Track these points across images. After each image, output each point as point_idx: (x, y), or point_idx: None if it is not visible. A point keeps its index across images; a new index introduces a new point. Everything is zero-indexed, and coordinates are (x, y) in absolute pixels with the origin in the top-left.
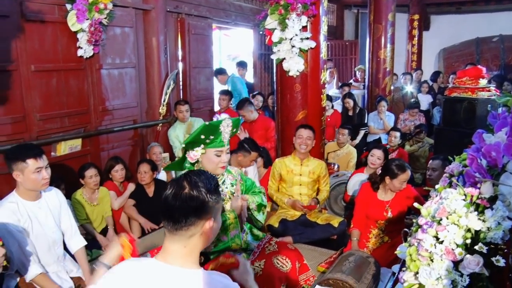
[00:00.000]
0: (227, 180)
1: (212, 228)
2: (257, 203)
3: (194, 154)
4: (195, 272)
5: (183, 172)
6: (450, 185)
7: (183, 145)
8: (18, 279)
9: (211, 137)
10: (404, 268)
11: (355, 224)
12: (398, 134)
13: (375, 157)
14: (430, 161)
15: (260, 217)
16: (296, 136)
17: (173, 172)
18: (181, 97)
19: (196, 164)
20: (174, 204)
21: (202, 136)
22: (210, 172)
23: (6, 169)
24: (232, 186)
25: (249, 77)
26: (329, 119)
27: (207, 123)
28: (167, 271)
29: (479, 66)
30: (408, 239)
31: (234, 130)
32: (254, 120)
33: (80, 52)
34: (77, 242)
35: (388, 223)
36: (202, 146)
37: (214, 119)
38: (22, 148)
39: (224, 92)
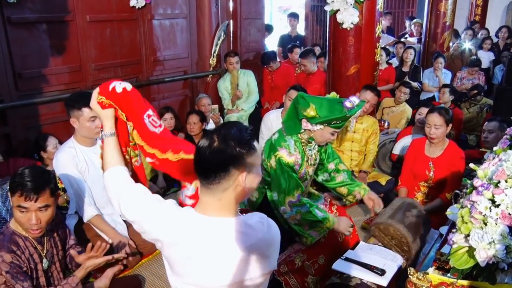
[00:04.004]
0: (316, 146)
1: (247, 181)
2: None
3: (311, 127)
4: (230, 220)
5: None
6: (510, 147)
7: (303, 115)
8: (77, 218)
9: (340, 122)
10: (453, 230)
11: (402, 182)
12: (447, 90)
13: (423, 115)
14: (486, 122)
15: (314, 233)
16: (361, 96)
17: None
18: (231, 48)
19: (306, 131)
20: (204, 158)
21: (334, 122)
22: (316, 142)
23: (65, 116)
24: (318, 152)
25: (300, 29)
26: (381, 74)
27: (346, 112)
28: (203, 221)
29: None
30: (461, 200)
31: None
32: (313, 72)
33: (132, 2)
34: None
35: (431, 187)
36: (326, 124)
37: (348, 104)
38: (79, 96)
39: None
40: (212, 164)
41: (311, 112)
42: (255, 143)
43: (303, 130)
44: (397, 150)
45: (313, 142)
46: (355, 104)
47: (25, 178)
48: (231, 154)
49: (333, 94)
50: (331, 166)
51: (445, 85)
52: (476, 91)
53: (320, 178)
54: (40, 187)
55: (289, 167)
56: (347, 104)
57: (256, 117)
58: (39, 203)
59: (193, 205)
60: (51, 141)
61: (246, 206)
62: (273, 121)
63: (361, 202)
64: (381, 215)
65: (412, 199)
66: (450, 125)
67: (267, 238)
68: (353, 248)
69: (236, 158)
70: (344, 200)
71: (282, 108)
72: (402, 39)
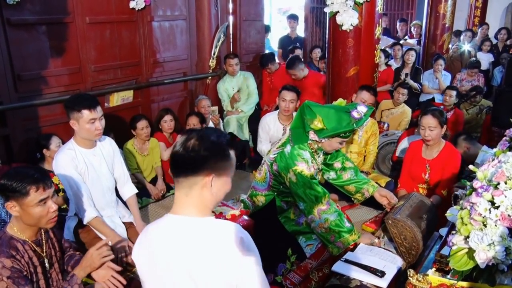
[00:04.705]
0: (321, 152)
1: (214, 185)
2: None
3: (319, 139)
4: (200, 220)
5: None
6: (509, 148)
7: (311, 128)
8: (77, 220)
9: (348, 133)
10: (453, 232)
11: (401, 184)
12: (454, 93)
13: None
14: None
15: (339, 244)
16: (358, 97)
17: (221, 125)
18: (231, 50)
19: (314, 141)
20: (178, 152)
21: (342, 134)
22: (325, 151)
23: (65, 118)
24: (325, 159)
25: (300, 31)
26: (379, 75)
27: (353, 123)
28: (175, 221)
29: None
30: (460, 202)
31: None
32: (305, 76)
33: (132, 4)
34: (129, 190)
35: (430, 188)
36: (334, 136)
37: (355, 114)
38: (79, 98)
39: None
40: (183, 158)
41: (318, 124)
42: (231, 152)
43: (310, 141)
44: (399, 151)
45: (320, 152)
46: (363, 113)
47: (29, 173)
48: (203, 154)
49: (339, 102)
50: (337, 165)
51: (451, 88)
52: (474, 92)
53: (326, 177)
54: (44, 174)
55: (310, 177)
56: (355, 114)
57: (256, 119)
58: (51, 189)
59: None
60: (55, 140)
61: (250, 208)
62: (269, 123)
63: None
64: (399, 210)
65: (428, 199)
66: (445, 126)
67: (229, 245)
68: (352, 250)
69: (206, 158)
70: (352, 198)
71: (278, 110)
72: (402, 41)
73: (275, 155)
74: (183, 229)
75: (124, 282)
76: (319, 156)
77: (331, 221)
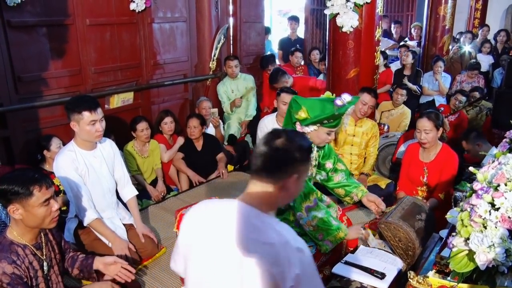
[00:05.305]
0: (315, 147)
1: (294, 185)
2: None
3: (305, 129)
4: (265, 216)
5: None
6: (510, 150)
7: (296, 119)
8: (77, 222)
9: (332, 121)
10: (453, 233)
11: (400, 187)
12: (464, 98)
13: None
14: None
15: (328, 242)
16: (359, 99)
17: (221, 127)
18: (231, 52)
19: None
20: (265, 149)
21: (325, 121)
22: (315, 144)
23: (65, 120)
24: (317, 152)
25: (300, 32)
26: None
27: (336, 110)
28: (243, 208)
29: None
30: (460, 203)
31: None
32: (292, 85)
33: (132, 6)
34: (129, 192)
35: (429, 191)
36: (318, 125)
37: (338, 102)
38: (79, 100)
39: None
40: (272, 157)
41: (302, 114)
42: (312, 155)
43: None
44: (399, 153)
45: (314, 147)
46: (346, 101)
47: (29, 175)
48: (292, 155)
49: (327, 94)
50: (328, 165)
51: (462, 93)
52: (476, 92)
53: (318, 178)
54: (43, 174)
55: None
56: (338, 102)
57: (256, 121)
58: (52, 188)
59: None
60: (55, 141)
61: None
62: (268, 125)
63: (360, 204)
64: (391, 214)
65: (422, 201)
66: (441, 129)
67: (279, 252)
68: (353, 252)
69: (294, 160)
70: (342, 201)
71: (277, 112)
72: (402, 43)
73: None
74: (248, 218)
75: (134, 271)
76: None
77: (319, 218)
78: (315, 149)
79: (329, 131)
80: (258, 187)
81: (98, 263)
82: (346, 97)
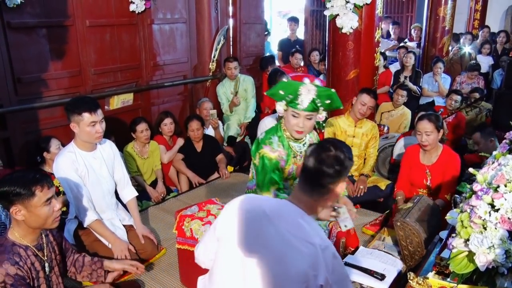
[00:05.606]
0: (307, 141)
1: (336, 195)
2: None
3: (278, 108)
4: (310, 218)
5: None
6: (509, 151)
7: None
8: (77, 223)
9: (290, 96)
10: (453, 234)
11: (399, 188)
12: (459, 98)
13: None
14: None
15: None
16: (358, 100)
17: (221, 128)
18: (231, 53)
19: (282, 121)
20: (318, 167)
21: (281, 92)
22: (288, 132)
23: (65, 121)
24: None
25: (300, 33)
26: (378, 78)
27: (300, 83)
28: (292, 208)
29: None
30: (460, 205)
31: (328, 101)
32: None
33: (132, 7)
34: (129, 193)
35: (430, 193)
36: (284, 102)
37: (306, 80)
38: (79, 101)
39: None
40: (326, 167)
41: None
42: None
43: (282, 121)
44: (395, 153)
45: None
46: (315, 82)
47: (30, 175)
48: (345, 164)
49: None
50: None
51: (456, 92)
52: (475, 93)
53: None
54: (43, 174)
55: (272, 164)
56: (305, 80)
57: (256, 122)
58: (53, 188)
59: None
60: (54, 142)
61: None
62: (268, 126)
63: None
64: (408, 213)
65: (435, 204)
66: (442, 131)
67: (318, 255)
68: (353, 253)
69: (347, 168)
70: None
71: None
72: (401, 44)
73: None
74: (295, 216)
75: (143, 266)
76: (299, 145)
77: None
78: (306, 144)
79: (293, 112)
80: (304, 196)
81: (108, 264)
82: (317, 82)
